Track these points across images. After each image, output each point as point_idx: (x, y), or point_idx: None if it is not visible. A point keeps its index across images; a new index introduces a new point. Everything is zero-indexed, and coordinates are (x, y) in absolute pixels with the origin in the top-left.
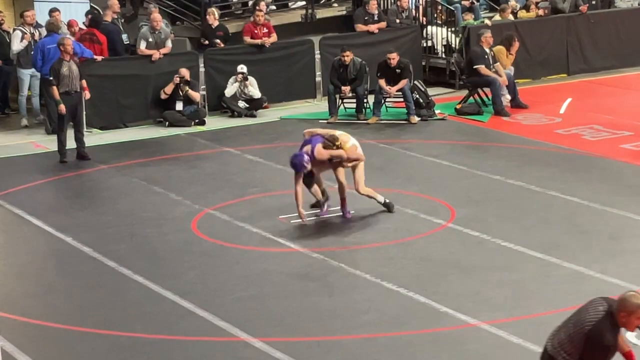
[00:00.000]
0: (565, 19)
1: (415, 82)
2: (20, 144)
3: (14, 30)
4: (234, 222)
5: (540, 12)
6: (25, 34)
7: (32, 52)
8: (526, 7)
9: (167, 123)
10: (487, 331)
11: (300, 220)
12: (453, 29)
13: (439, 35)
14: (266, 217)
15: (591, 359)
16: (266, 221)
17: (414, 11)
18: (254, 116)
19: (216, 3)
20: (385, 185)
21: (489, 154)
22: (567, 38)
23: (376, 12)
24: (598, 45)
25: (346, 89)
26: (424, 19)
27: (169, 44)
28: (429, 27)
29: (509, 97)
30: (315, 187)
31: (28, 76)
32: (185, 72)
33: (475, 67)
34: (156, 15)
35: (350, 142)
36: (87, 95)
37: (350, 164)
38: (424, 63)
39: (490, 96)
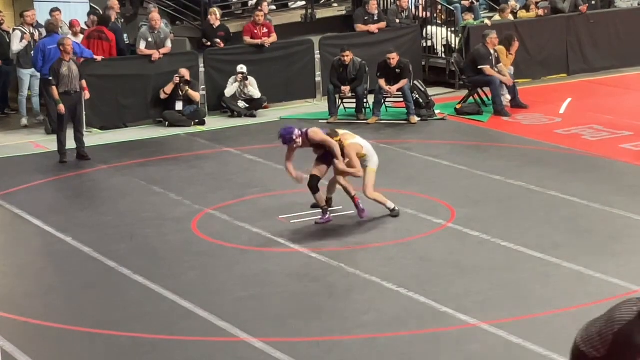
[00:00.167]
0: (565, 19)
1: (415, 82)
2: (20, 144)
3: (14, 30)
4: (234, 222)
5: (540, 12)
6: (25, 34)
7: (32, 53)
8: (526, 7)
9: (167, 123)
10: (487, 331)
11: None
12: (453, 29)
13: (439, 35)
14: (266, 217)
15: (620, 359)
16: (266, 221)
17: (413, 10)
18: (254, 116)
19: (216, 3)
20: (385, 185)
21: (489, 154)
22: (567, 38)
23: (376, 12)
24: (598, 45)
25: (346, 89)
26: (425, 13)
27: (168, 44)
28: (429, 27)
29: (508, 97)
30: (320, 194)
31: (28, 76)
32: (185, 72)
33: (480, 67)
34: (154, 15)
35: (352, 140)
36: (86, 95)
37: (342, 169)
38: (423, 63)
39: (490, 96)
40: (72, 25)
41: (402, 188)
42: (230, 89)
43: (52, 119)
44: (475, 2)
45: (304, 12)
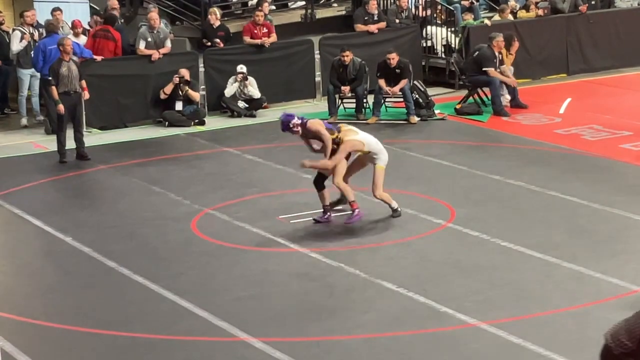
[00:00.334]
0: (565, 19)
1: (415, 82)
2: (19, 144)
3: (14, 30)
4: (234, 222)
5: (540, 12)
6: (25, 34)
7: (32, 53)
8: (526, 7)
9: (166, 123)
10: (486, 331)
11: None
12: (453, 28)
13: (439, 35)
14: (266, 217)
15: None
16: (266, 221)
17: (413, 10)
18: (254, 116)
19: (216, 3)
20: (385, 185)
21: (488, 154)
22: (567, 38)
23: (376, 12)
24: (598, 45)
25: (346, 89)
26: (425, 12)
27: (168, 43)
28: (429, 27)
29: (508, 97)
30: (324, 192)
31: (28, 76)
32: (185, 72)
33: (484, 69)
34: (153, 14)
35: (353, 136)
36: (86, 95)
37: (310, 165)
38: (423, 63)
39: (489, 96)
40: (74, 25)
41: (402, 188)
42: (230, 89)
43: (52, 119)
44: (475, 2)
45: (303, 12)
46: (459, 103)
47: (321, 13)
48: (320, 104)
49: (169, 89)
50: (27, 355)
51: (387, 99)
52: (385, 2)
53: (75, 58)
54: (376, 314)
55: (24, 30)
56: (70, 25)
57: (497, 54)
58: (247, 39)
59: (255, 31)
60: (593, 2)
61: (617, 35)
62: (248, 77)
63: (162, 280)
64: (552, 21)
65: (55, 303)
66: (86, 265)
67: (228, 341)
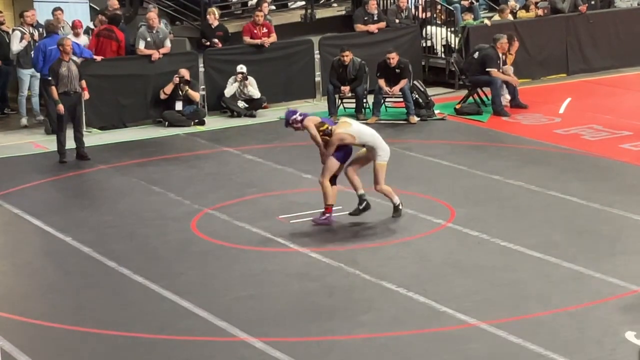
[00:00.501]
0: (565, 19)
1: (415, 82)
2: (19, 144)
3: (14, 30)
4: (234, 222)
5: (540, 12)
6: (25, 34)
7: (33, 53)
8: (525, 7)
9: (166, 123)
10: (486, 331)
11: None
12: (452, 28)
13: (439, 35)
14: (265, 217)
15: None
16: (265, 221)
17: (413, 10)
18: (254, 116)
19: (216, 3)
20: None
21: (488, 154)
22: (567, 38)
23: (376, 12)
24: (597, 45)
25: (346, 88)
26: (425, 13)
27: (167, 43)
28: (429, 27)
29: (508, 97)
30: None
31: (28, 76)
32: (185, 72)
33: (488, 69)
34: (151, 14)
35: (343, 129)
36: (85, 95)
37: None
38: (423, 63)
39: (489, 96)
40: (74, 26)
41: (401, 188)
42: (230, 89)
43: (52, 119)
44: (474, 2)
45: (303, 12)
46: (459, 103)
47: (321, 13)
48: (320, 104)
49: (169, 89)
50: (27, 355)
51: (387, 99)
52: (385, 2)
53: (75, 58)
54: (376, 314)
55: (24, 30)
56: (71, 25)
57: (501, 55)
58: (247, 39)
59: (255, 31)
60: (593, 2)
61: (616, 35)
62: (248, 77)
63: (162, 280)
64: (552, 21)
65: (55, 303)
66: (86, 265)
67: (228, 341)
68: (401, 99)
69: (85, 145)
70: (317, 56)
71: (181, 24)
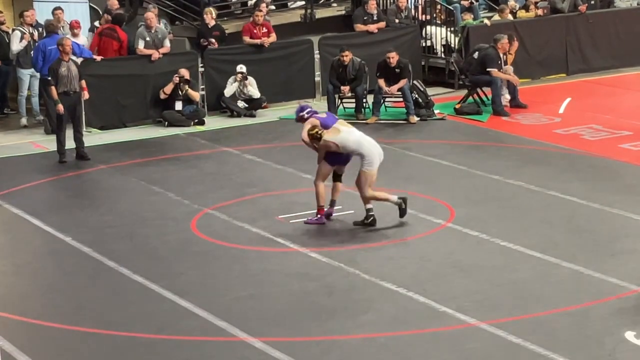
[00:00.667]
0: (565, 19)
1: (415, 81)
2: (19, 144)
3: (13, 30)
4: (233, 222)
5: (540, 12)
6: (25, 34)
7: (32, 53)
8: (525, 7)
9: (166, 123)
10: (486, 331)
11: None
12: (452, 28)
13: (438, 35)
14: (265, 217)
15: None
16: (265, 221)
17: (413, 10)
18: (253, 116)
19: (215, 3)
20: (385, 185)
21: (488, 154)
22: (566, 38)
23: (375, 12)
24: (597, 45)
25: (345, 88)
26: (424, 16)
27: (167, 43)
28: (428, 27)
29: (508, 97)
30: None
31: (27, 76)
32: (184, 72)
33: (488, 69)
34: (149, 14)
35: (329, 137)
36: (85, 95)
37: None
38: (423, 63)
39: (489, 96)
40: (71, 26)
41: (401, 188)
42: (230, 89)
43: (52, 119)
44: (474, 2)
45: (303, 12)
46: (459, 103)
47: (321, 13)
48: (319, 104)
49: (169, 88)
50: (27, 355)
51: (386, 99)
52: (384, 2)
53: (74, 58)
54: (376, 314)
55: (23, 30)
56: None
57: (501, 55)
58: (247, 38)
59: (255, 31)
60: (592, 2)
61: (616, 35)
62: (248, 77)
63: (162, 280)
64: (552, 21)
65: (55, 303)
66: (86, 265)
67: (228, 341)
68: (401, 99)
69: (85, 145)
70: (316, 56)
71: (181, 24)
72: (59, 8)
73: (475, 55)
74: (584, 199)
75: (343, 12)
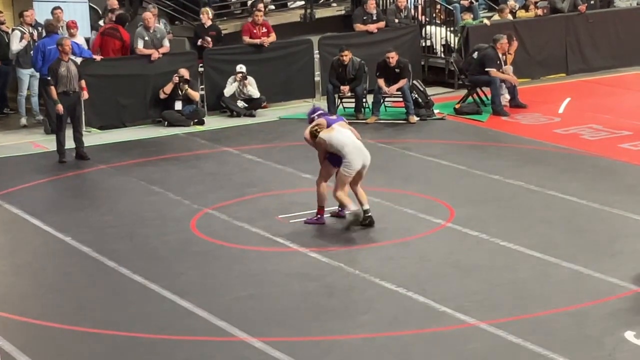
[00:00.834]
0: (564, 19)
1: (414, 81)
2: (19, 143)
3: (13, 30)
4: (233, 222)
5: (539, 11)
6: (25, 33)
7: (32, 52)
8: (525, 7)
9: (166, 123)
10: (486, 331)
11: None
12: (452, 28)
13: (438, 34)
14: (265, 217)
15: None
16: (265, 221)
17: (413, 10)
18: (253, 116)
19: (215, 3)
20: (384, 185)
21: (488, 154)
22: (566, 38)
23: (375, 11)
24: (597, 45)
25: (345, 88)
26: (423, 17)
27: (166, 43)
28: (428, 27)
29: (508, 96)
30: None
31: (27, 76)
32: (184, 72)
33: (487, 69)
34: (147, 14)
35: (324, 134)
36: (85, 95)
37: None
38: (423, 63)
39: (489, 96)
40: (68, 26)
41: (401, 188)
42: (230, 89)
43: (51, 118)
44: (474, 1)
45: (303, 11)
46: (458, 103)
47: (320, 13)
48: (319, 104)
49: (168, 88)
50: (27, 355)
51: (386, 99)
52: (384, 1)
53: (74, 58)
54: (376, 314)
55: (23, 30)
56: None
57: (501, 55)
58: (247, 38)
59: (255, 31)
60: (592, 2)
61: (616, 35)
62: (247, 76)
63: (162, 280)
64: (551, 21)
65: (55, 303)
66: (86, 265)
67: (228, 341)
68: (400, 99)
69: (85, 145)
70: (316, 56)
71: (180, 24)
72: (58, 8)
73: (475, 55)
74: (583, 198)
75: (343, 12)
